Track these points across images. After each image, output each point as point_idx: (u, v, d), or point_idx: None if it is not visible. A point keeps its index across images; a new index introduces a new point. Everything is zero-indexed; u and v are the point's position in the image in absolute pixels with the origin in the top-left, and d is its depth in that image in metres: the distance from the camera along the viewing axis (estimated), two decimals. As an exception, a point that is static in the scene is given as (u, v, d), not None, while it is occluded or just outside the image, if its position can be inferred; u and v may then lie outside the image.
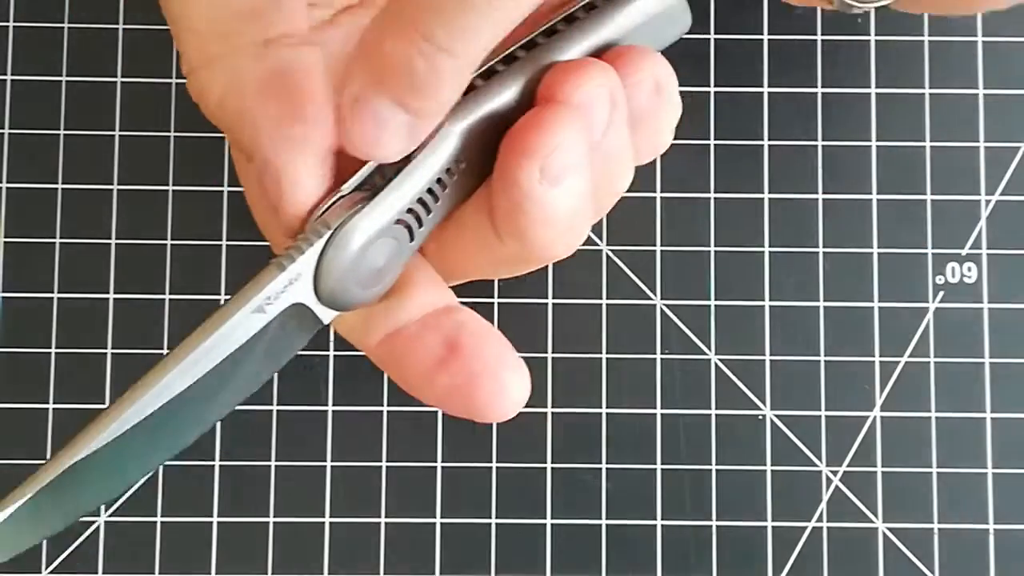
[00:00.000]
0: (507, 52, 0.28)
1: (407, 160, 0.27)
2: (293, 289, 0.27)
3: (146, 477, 0.27)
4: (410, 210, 0.27)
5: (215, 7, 0.27)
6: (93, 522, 0.35)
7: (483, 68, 0.28)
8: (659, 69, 0.28)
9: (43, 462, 0.25)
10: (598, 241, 0.36)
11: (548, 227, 0.27)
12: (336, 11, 0.29)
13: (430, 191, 0.27)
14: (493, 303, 0.36)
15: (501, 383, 0.27)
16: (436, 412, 0.36)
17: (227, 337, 0.26)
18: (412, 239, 0.28)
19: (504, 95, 0.28)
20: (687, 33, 0.30)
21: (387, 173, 0.27)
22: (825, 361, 0.36)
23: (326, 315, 0.27)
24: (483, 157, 0.28)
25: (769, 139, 0.37)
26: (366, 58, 0.25)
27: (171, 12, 0.28)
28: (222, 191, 0.36)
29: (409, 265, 0.28)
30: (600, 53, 0.28)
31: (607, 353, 0.36)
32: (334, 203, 0.27)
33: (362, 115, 0.26)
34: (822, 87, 0.37)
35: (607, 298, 0.36)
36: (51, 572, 0.35)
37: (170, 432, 0.26)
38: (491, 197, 0.27)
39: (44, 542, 0.35)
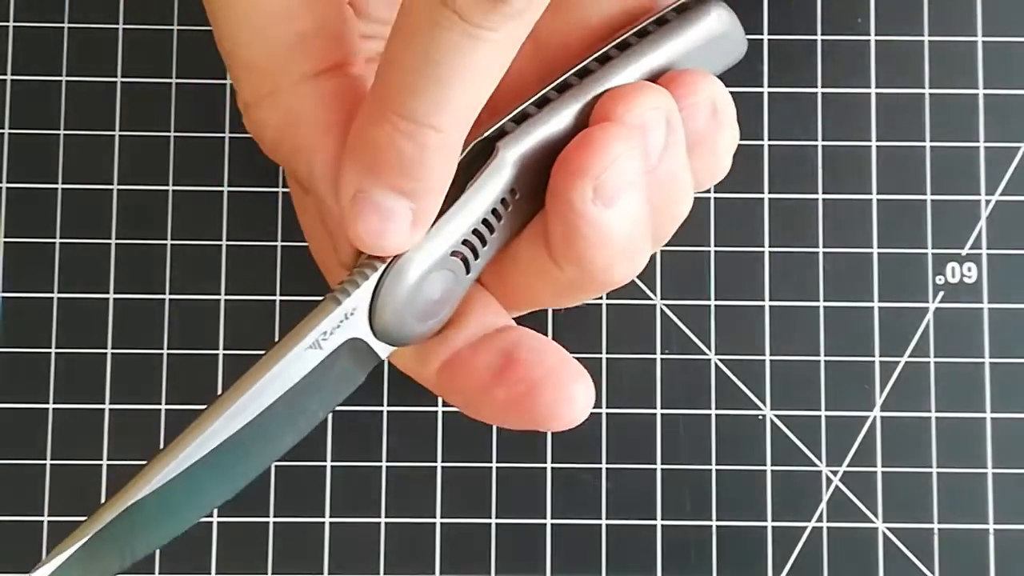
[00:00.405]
0: (561, 80, 0.28)
1: (461, 191, 0.27)
2: (349, 324, 0.26)
3: (199, 519, 0.27)
4: (466, 241, 0.27)
5: (269, 42, 0.27)
6: (93, 522, 0.35)
7: (537, 96, 0.28)
8: (716, 91, 0.28)
9: (90, 514, 0.25)
10: (598, 241, 0.36)
11: (604, 249, 0.26)
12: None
13: (485, 222, 0.27)
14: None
15: (564, 390, 0.26)
16: (436, 412, 0.36)
17: (283, 374, 0.26)
18: (468, 271, 0.27)
19: (558, 122, 0.27)
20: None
21: (442, 205, 0.27)
22: (825, 361, 0.36)
23: (383, 350, 0.27)
24: (538, 185, 0.27)
25: (769, 139, 0.37)
26: (356, 150, 0.25)
27: (224, 47, 0.28)
28: (222, 191, 0.36)
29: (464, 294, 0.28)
30: (655, 79, 0.28)
31: (607, 353, 0.36)
32: None
33: (364, 210, 0.25)
34: (822, 87, 0.37)
35: (607, 298, 0.36)
36: (51, 572, 0.35)
37: (226, 473, 0.26)
38: (546, 222, 0.27)
39: (44, 542, 0.35)
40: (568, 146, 0.27)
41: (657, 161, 0.27)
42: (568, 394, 0.26)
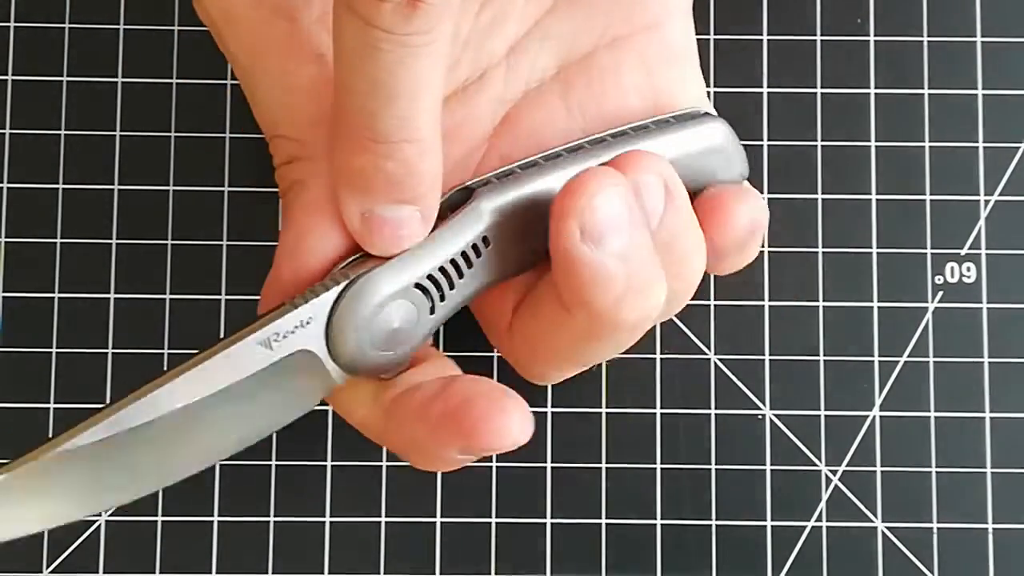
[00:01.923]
0: (551, 151, 0.29)
1: (433, 228, 0.28)
2: (303, 333, 0.27)
3: (136, 498, 0.27)
4: (431, 277, 0.27)
5: (303, 118, 0.28)
6: (94, 522, 0.35)
7: (525, 159, 0.29)
8: (667, 173, 0.28)
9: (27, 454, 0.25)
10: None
11: (602, 289, 0.27)
12: None
13: (453, 263, 0.28)
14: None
15: (498, 402, 0.26)
16: (436, 412, 0.36)
17: (231, 363, 0.26)
18: (433, 311, 0.28)
19: (539, 184, 0.28)
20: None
21: None
22: (825, 361, 0.36)
23: (336, 373, 0.27)
24: (512, 240, 0.28)
25: (769, 139, 0.37)
26: (345, 180, 0.27)
27: (260, 120, 0.30)
28: (222, 191, 0.36)
29: (421, 351, 0.29)
30: None
31: (607, 353, 0.36)
32: (358, 258, 0.27)
33: (376, 226, 0.27)
34: (822, 87, 0.37)
35: (607, 298, 0.36)
36: (51, 572, 0.35)
37: (164, 449, 0.26)
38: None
39: (45, 542, 0.35)
40: (558, 192, 0.27)
41: (658, 223, 0.28)
42: (502, 406, 0.26)
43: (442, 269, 0.28)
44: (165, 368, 0.35)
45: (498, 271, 0.29)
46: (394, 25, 0.24)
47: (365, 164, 0.26)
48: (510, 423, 0.26)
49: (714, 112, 0.31)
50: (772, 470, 0.36)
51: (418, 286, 0.27)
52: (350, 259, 0.28)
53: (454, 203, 0.28)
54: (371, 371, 0.28)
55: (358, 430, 0.29)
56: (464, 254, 0.28)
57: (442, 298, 0.28)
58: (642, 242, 0.27)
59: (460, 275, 0.28)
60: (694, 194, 0.30)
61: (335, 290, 0.27)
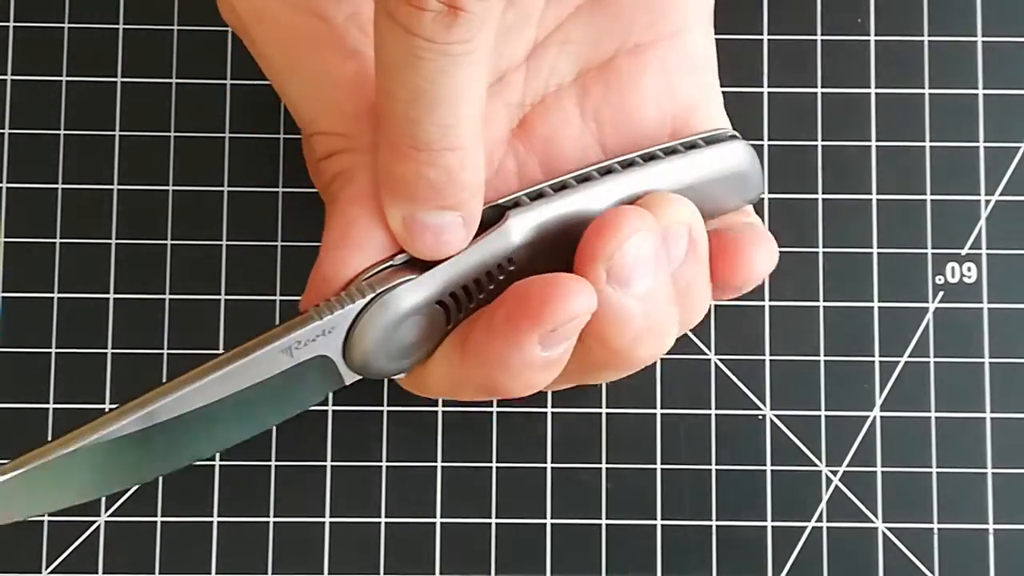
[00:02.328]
0: (582, 171, 0.29)
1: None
2: (324, 341, 0.27)
3: (137, 486, 0.28)
4: (453, 294, 0.28)
5: (342, 113, 0.28)
6: (93, 522, 0.35)
7: (557, 180, 0.29)
8: (694, 220, 0.29)
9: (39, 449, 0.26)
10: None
11: (623, 329, 0.27)
12: None
13: (477, 281, 0.28)
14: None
15: (556, 281, 0.27)
16: (436, 412, 0.36)
17: (253, 367, 0.27)
18: (449, 322, 0.28)
19: (571, 205, 0.28)
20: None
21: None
22: (825, 361, 0.36)
23: (348, 376, 0.28)
24: (535, 262, 0.28)
25: (769, 139, 0.37)
26: (389, 187, 0.27)
27: (296, 114, 0.30)
28: (222, 191, 0.36)
29: None
30: (677, 193, 0.29)
31: (607, 353, 0.36)
32: (383, 270, 0.27)
33: (417, 232, 0.27)
34: (822, 87, 0.37)
35: (607, 298, 0.36)
36: (51, 572, 0.35)
37: (180, 441, 0.27)
38: None
39: (44, 542, 0.35)
40: (586, 230, 0.28)
41: (678, 269, 0.28)
42: (558, 281, 0.27)
43: (464, 287, 0.28)
44: (164, 368, 0.36)
45: None
46: (435, 34, 0.24)
47: (407, 171, 0.26)
48: (573, 292, 0.26)
49: (738, 135, 0.31)
50: (772, 470, 0.36)
51: (439, 303, 0.28)
52: (376, 269, 0.28)
53: (484, 221, 0.28)
54: (382, 375, 0.28)
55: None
56: (489, 273, 0.28)
57: (459, 311, 0.28)
58: (664, 286, 0.28)
59: (481, 292, 0.28)
60: (710, 215, 0.31)
61: (360, 302, 0.27)
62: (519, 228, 0.28)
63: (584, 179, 0.29)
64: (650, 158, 0.29)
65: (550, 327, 0.26)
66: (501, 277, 0.28)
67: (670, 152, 0.30)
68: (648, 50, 0.31)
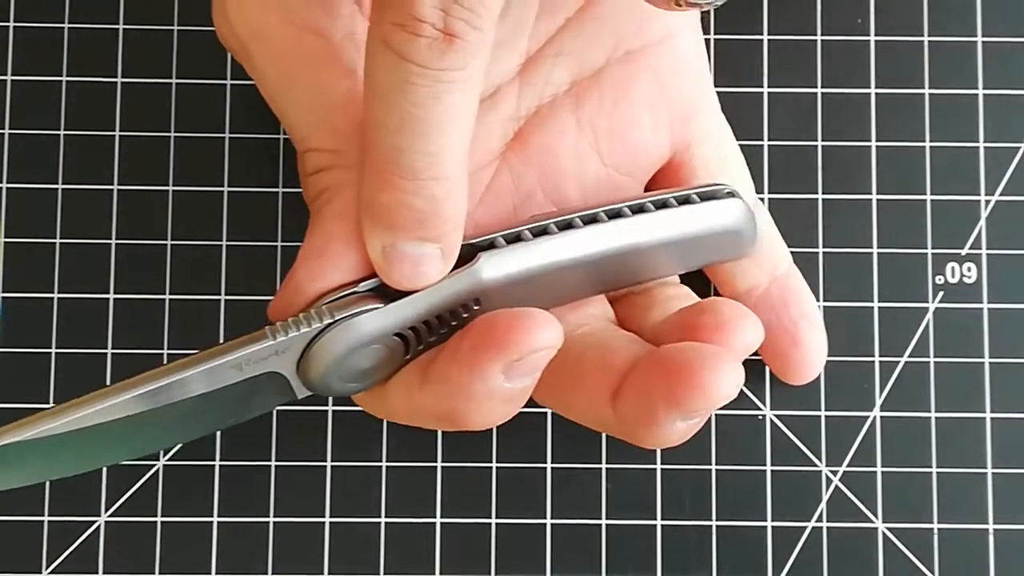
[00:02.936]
0: (565, 218, 0.29)
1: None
2: (277, 359, 0.27)
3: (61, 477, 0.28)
4: (413, 328, 0.28)
5: (333, 129, 0.29)
6: (93, 522, 0.35)
7: (537, 224, 0.28)
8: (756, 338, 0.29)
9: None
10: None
11: (663, 443, 0.28)
12: None
13: (440, 317, 0.28)
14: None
15: (522, 313, 0.27)
16: (436, 412, 0.36)
17: (204, 377, 0.27)
18: (407, 353, 0.28)
19: (546, 257, 0.28)
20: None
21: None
22: (825, 361, 0.36)
23: (300, 391, 0.28)
24: (515, 306, 0.28)
25: (769, 139, 0.37)
26: (372, 214, 0.27)
27: (288, 127, 0.30)
28: (222, 191, 0.36)
29: None
30: (662, 248, 0.29)
31: (607, 353, 0.36)
32: (347, 295, 0.27)
33: (396, 261, 0.27)
34: (822, 87, 0.37)
35: (607, 298, 0.36)
36: (51, 572, 0.35)
37: (138, 433, 0.27)
38: (622, 384, 0.28)
39: (44, 542, 0.35)
40: (678, 362, 0.27)
41: None
42: (526, 312, 0.27)
43: (426, 322, 0.28)
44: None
45: None
46: (429, 60, 0.24)
47: (391, 200, 0.26)
48: (541, 325, 0.26)
49: (736, 191, 0.30)
50: (772, 470, 0.36)
51: (398, 334, 0.28)
52: (340, 294, 0.27)
53: (458, 258, 0.28)
54: (333, 395, 0.29)
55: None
56: (453, 311, 0.28)
57: (419, 344, 0.28)
58: None
59: (443, 328, 0.28)
60: (694, 267, 0.31)
61: (316, 327, 0.27)
62: (491, 270, 0.28)
63: (566, 226, 0.28)
64: (639, 210, 0.29)
65: (515, 356, 0.26)
66: (465, 315, 0.28)
67: (661, 205, 0.29)
68: (639, 57, 0.31)
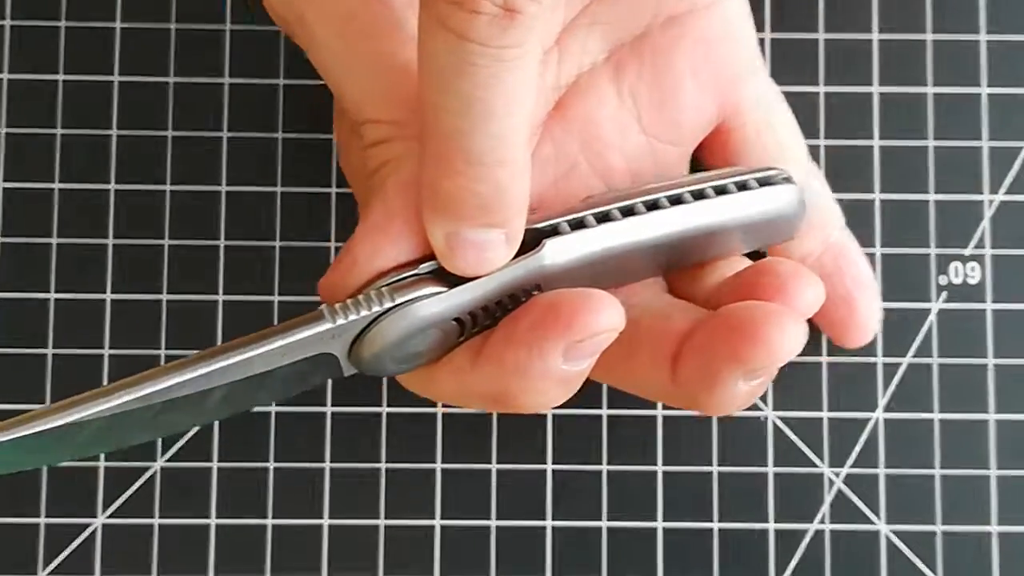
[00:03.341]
0: (628, 203, 0.28)
1: None
2: (332, 341, 0.27)
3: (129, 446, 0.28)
4: (472, 313, 0.27)
5: (397, 99, 0.28)
6: (90, 523, 0.35)
7: (600, 209, 0.28)
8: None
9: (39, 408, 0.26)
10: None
11: (726, 408, 0.28)
12: None
13: (499, 302, 0.27)
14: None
15: (585, 295, 0.27)
16: (436, 412, 0.36)
17: (254, 360, 0.26)
18: (461, 335, 0.28)
19: (610, 241, 0.28)
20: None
21: None
22: (827, 362, 0.36)
23: (348, 370, 0.28)
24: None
25: (771, 138, 0.37)
26: (433, 203, 0.26)
27: (348, 105, 0.29)
28: (221, 191, 0.36)
29: None
30: (715, 236, 0.29)
31: (608, 354, 0.36)
32: (407, 279, 0.27)
33: (460, 249, 0.26)
34: (823, 87, 0.37)
35: (608, 298, 0.36)
36: (49, 573, 0.35)
37: (174, 415, 0.27)
38: (680, 349, 0.27)
39: (41, 543, 0.35)
40: (741, 320, 0.27)
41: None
42: (587, 295, 0.26)
43: (485, 307, 0.27)
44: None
45: None
46: (490, 37, 0.23)
47: (455, 187, 0.26)
48: (604, 307, 0.26)
49: (791, 176, 0.30)
50: (774, 472, 0.36)
51: (456, 319, 0.27)
52: (399, 276, 0.27)
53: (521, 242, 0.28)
54: (380, 375, 0.28)
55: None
56: (513, 296, 0.27)
57: (474, 327, 0.28)
58: None
59: (500, 312, 0.28)
60: (741, 251, 0.31)
61: (376, 311, 0.26)
62: (554, 256, 0.27)
63: (628, 211, 0.28)
64: (699, 195, 0.29)
65: (577, 338, 0.26)
66: (523, 300, 0.28)
67: (720, 191, 0.29)
68: (683, 22, 0.30)
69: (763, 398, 0.36)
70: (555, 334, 0.26)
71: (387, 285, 0.27)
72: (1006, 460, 0.36)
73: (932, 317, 0.36)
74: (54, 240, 0.36)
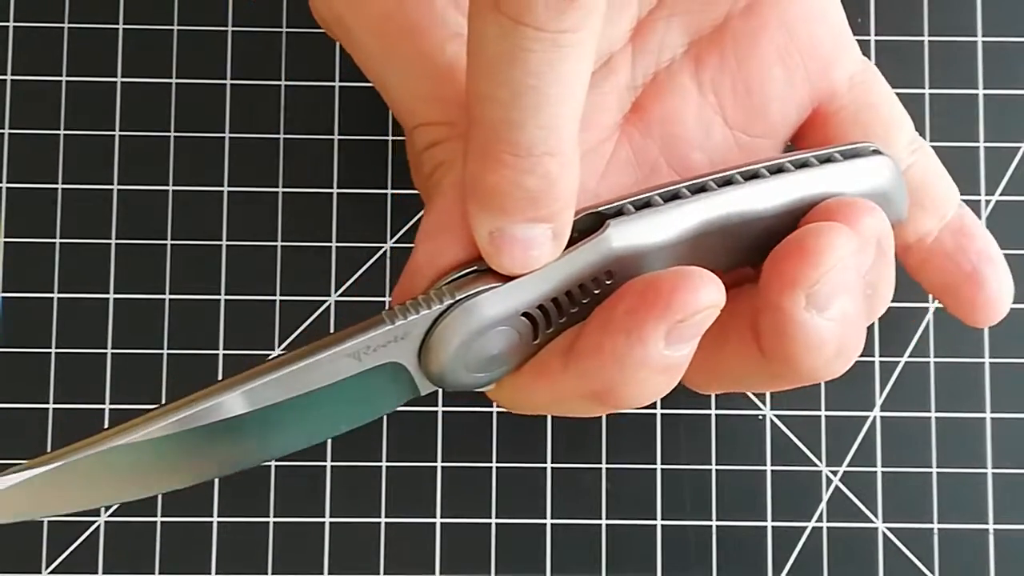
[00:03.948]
0: (699, 180, 0.26)
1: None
2: (397, 347, 0.25)
3: (191, 484, 0.26)
4: (541, 307, 0.25)
5: (444, 101, 0.27)
6: (93, 522, 0.35)
7: (667, 188, 0.26)
8: (884, 229, 0.27)
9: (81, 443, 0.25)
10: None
11: (815, 353, 0.26)
12: None
13: (569, 294, 0.26)
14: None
15: (681, 273, 0.25)
16: (436, 412, 0.36)
17: (317, 370, 0.25)
18: (536, 337, 0.26)
19: (680, 223, 0.26)
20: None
21: None
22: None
23: (424, 386, 0.26)
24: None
25: (769, 139, 0.37)
26: (479, 196, 0.25)
27: (399, 109, 0.28)
28: (222, 191, 0.36)
29: None
30: (800, 213, 0.27)
31: (607, 353, 0.36)
32: (466, 275, 0.26)
33: (506, 246, 0.25)
34: (822, 87, 0.37)
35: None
36: (51, 572, 0.35)
37: (236, 444, 0.25)
38: (755, 316, 0.26)
39: (44, 542, 0.35)
40: (784, 246, 0.25)
41: (867, 272, 0.27)
42: (684, 273, 0.25)
43: (555, 299, 0.25)
44: (164, 368, 0.36)
45: None
46: (547, 21, 0.22)
47: (501, 180, 0.24)
48: (703, 283, 0.25)
49: (881, 148, 0.28)
50: (772, 470, 0.36)
51: (525, 314, 0.25)
52: (459, 273, 0.26)
53: (582, 229, 0.26)
54: (460, 388, 0.26)
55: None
56: (582, 286, 0.26)
57: (548, 326, 0.26)
58: (858, 300, 0.26)
59: (574, 306, 0.26)
60: None
61: (436, 308, 0.25)
62: (620, 239, 0.25)
63: (699, 189, 0.26)
64: (777, 170, 0.27)
65: (679, 317, 0.24)
66: (597, 291, 0.26)
67: (800, 165, 0.27)
68: (763, 6, 0.29)
69: (761, 397, 0.36)
70: (655, 315, 0.24)
71: (447, 283, 0.25)
72: (1002, 458, 0.36)
73: (929, 316, 0.36)
74: (57, 240, 0.36)
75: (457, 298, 0.25)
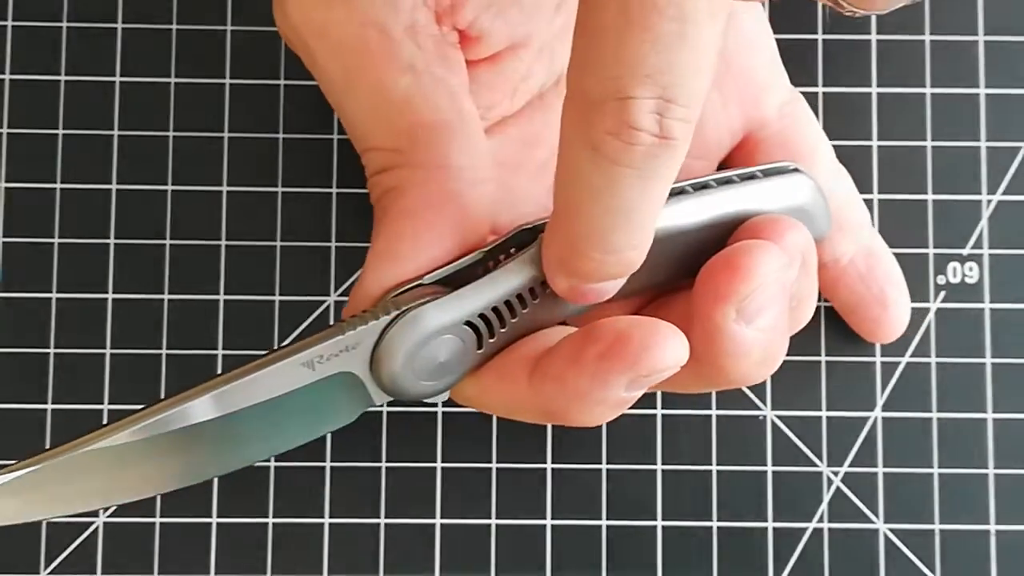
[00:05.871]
0: None
1: (496, 265, 0.28)
2: (348, 357, 0.27)
3: (145, 496, 0.27)
4: (483, 316, 0.27)
5: (392, 130, 0.28)
6: (92, 522, 0.35)
7: None
8: (807, 244, 0.29)
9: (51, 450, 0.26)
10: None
11: (742, 361, 0.28)
12: (491, 123, 0.31)
13: (508, 303, 0.27)
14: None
15: (653, 329, 0.27)
16: (436, 412, 0.36)
17: (272, 379, 0.26)
18: (480, 346, 0.28)
19: None
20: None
21: (473, 274, 0.28)
22: (826, 361, 0.36)
23: (379, 396, 0.28)
24: None
25: (770, 139, 0.37)
26: (564, 271, 0.26)
27: (352, 132, 0.29)
28: (222, 191, 0.36)
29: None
30: (725, 229, 0.29)
31: (607, 353, 0.36)
32: (413, 288, 0.27)
33: (582, 295, 0.27)
34: (823, 87, 0.37)
35: (607, 298, 0.36)
36: (50, 572, 0.35)
37: (186, 459, 0.26)
38: (687, 325, 0.27)
39: (43, 543, 0.35)
40: (715, 261, 0.27)
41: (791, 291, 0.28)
42: (656, 329, 0.26)
43: (495, 309, 0.27)
44: (163, 368, 0.36)
45: (555, 313, 0.28)
46: (643, 163, 0.24)
47: (588, 268, 0.26)
48: (670, 342, 0.26)
49: (801, 168, 0.30)
50: (773, 471, 0.36)
51: (468, 323, 0.27)
52: (404, 287, 0.27)
53: (518, 243, 0.28)
54: (413, 397, 0.28)
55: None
56: (520, 296, 0.27)
57: (491, 335, 0.28)
58: (783, 312, 0.28)
59: (513, 315, 0.28)
60: None
61: (384, 319, 0.27)
62: None
63: None
64: (702, 187, 0.28)
65: (644, 372, 0.26)
66: (535, 300, 0.28)
67: (724, 182, 0.29)
68: None
69: (762, 398, 0.36)
70: (622, 367, 0.26)
71: (393, 297, 0.27)
72: (1004, 459, 0.36)
73: (930, 316, 0.36)
74: (56, 240, 0.36)
75: (402, 308, 0.27)
